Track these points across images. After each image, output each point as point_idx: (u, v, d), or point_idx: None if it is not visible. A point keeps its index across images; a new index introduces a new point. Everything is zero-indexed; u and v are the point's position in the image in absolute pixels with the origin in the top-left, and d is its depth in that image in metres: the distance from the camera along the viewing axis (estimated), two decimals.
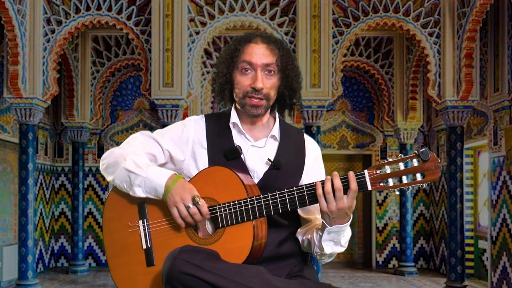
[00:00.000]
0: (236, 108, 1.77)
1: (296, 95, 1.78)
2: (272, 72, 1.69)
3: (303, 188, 1.58)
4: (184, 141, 1.75)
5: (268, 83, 1.68)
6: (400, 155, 1.54)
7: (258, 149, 1.74)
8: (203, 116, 1.81)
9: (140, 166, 1.65)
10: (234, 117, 1.75)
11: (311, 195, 1.57)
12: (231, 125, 1.75)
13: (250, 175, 1.70)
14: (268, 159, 1.71)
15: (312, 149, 1.82)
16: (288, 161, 1.72)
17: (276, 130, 1.77)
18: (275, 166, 1.70)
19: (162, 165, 1.78)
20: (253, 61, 1.67)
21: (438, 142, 8.27)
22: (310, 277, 1.71)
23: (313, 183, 1.57)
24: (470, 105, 6.03)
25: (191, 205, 1.58)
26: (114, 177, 1.70)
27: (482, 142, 6.83)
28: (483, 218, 7.20)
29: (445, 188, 7.70)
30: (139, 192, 1.66)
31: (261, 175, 1.71)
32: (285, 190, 1.59)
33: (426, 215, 8.61)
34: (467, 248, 7.14)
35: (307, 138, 1.85)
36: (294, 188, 1.59)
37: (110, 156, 1.75)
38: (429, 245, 8.58)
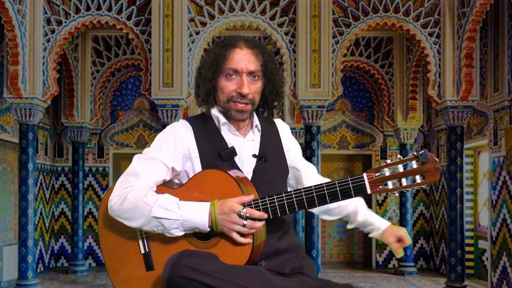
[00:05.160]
0: (218, 110, 1.77)
1: (279, 98, 1.82)
2: (257, 77, 1.72)
3: (311, 190, 1.59)
4: (179, 150, 1.73)
5: (253, 88, 1.71)
6: (399, 156, 1.53)
7: (251, 143, 1.77)
8: (186, 121, 1.78)
9: (169, 209, 1.59)
10: (222, 118, 1.75)
11: (320, 196, 1.59)
12: (222, 126, 1.75)
13: (240, 170, 1.71)
14: (253, 155, 1.74)
15: (282, 130, 1.87)
16: (272, 150, 1.77)
17: (257, 121, 1.81)
18: (261, 158, 1.73)
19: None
20: (239, 68, 1.69)
21: (438, 142, 8.26)
22: (310, 273, 1.73)
23: (321, 184, 1.59)
24: (470, 105, 6.03)
25: (245, 222, 1.57)
26: (141, 225, 1.63)
27: (482, 142, 6.82)
28: (483, 218, 7.20)
29: (445, 188, 7.69)
30: (177, 233, 1.62)
31: (251, 169, 1.73)
32: (283, 194, 1.60)
33: (426, 215, 8.60)
34: (467, 248, 7.13)
35: (277, 121, 1.90)
36: (302, 189, 1.60)
37: (124, 201, 1.64)
38: (429, 245, 8.57)
